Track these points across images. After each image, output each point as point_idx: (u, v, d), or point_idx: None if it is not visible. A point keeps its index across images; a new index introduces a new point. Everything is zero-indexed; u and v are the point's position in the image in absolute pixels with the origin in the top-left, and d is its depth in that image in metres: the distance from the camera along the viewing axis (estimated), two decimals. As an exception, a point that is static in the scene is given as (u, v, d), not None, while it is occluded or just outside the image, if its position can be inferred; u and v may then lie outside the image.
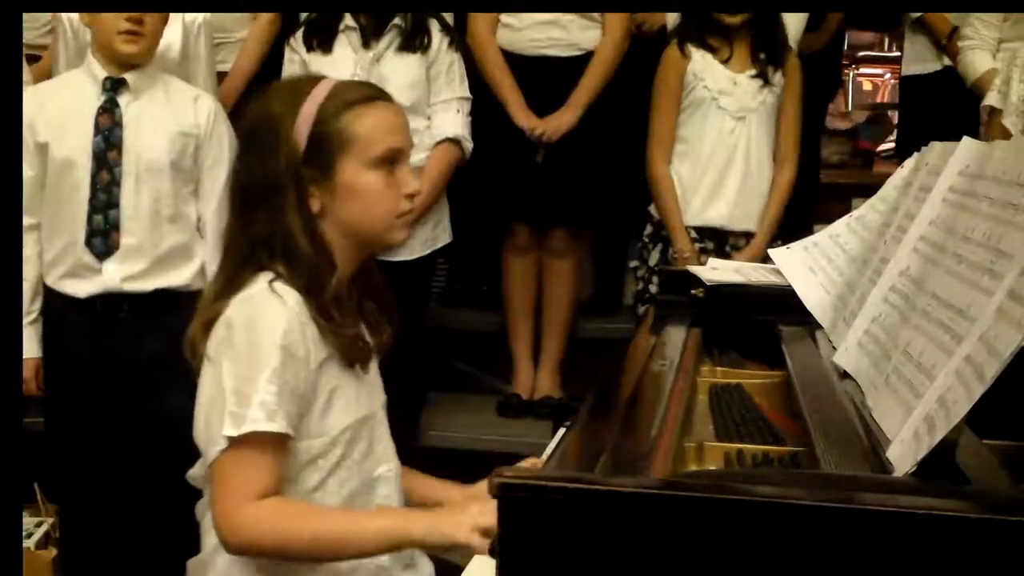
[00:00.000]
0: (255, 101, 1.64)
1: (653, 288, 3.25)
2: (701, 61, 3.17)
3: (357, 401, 1.59)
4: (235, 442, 1.45)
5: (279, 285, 1.51)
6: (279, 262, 1.53)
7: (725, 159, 3.19)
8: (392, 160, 1.57)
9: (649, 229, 3.31)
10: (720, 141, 3.18)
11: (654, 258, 3.27)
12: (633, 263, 3.36)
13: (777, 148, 3.25)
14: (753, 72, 3.18)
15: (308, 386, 1.51)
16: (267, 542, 1.46)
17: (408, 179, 1.59)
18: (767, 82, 3.17)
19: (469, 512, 1.40)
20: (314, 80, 1.60)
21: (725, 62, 3.17)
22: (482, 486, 1.68)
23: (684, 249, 3.15)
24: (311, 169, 1.54)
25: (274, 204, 1.53)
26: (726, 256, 3.14)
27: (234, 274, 1.55)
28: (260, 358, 1.46)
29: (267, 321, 1.49)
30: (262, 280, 1.52)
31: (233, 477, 1.46)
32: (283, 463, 1.50)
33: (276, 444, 1.48)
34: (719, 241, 3.22)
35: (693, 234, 3.20)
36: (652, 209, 3.28)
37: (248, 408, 1.44)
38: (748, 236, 3.22)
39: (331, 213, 1.55)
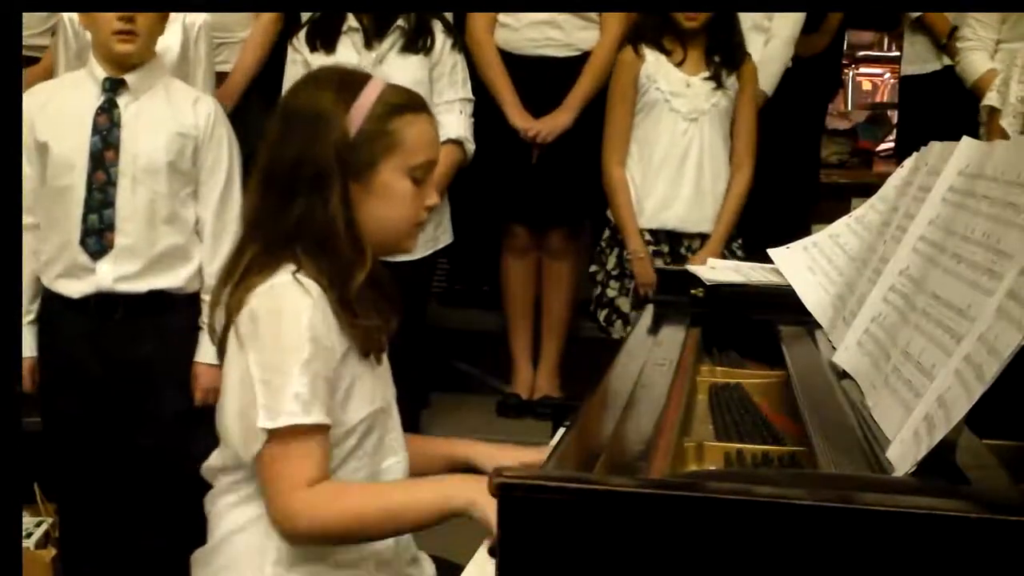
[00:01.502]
0: (297, 87, 1.65)
1: (612, 292, 3.26)
2: (655, 63, 3.17)
3: (373, 393, 1.61)
4: (276, 436, 1.46)
5: (302, 277, 1.52)
6: (311, 250, 1.53)
7: (678, 161, 3.19)
8: (426, 171, 1.60)
9: (606, 233, 3.31)
10: (673, 143, 3.18)
11: (612, 262, 3.28)
12: (592, 268, 3.35)
13: (733, 152, 3.25)
14: (707, 74, 3.17)
15: (335, 376, 1.53)
16: (321, 526, 1.48)
17: (432, 191, 1.63)
18: (720, 85, 3.17)
19: None
20: (364, 75, 1.62)
21: (679, 64, 3.17)
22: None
23: (638, 250, 3.15)
24: (353, 163, 1.55)
25: (317, 191, 1.53)
26: (681, 258, 3.14)
27: (262, 259, 1.54)
28: (290, 349, 1.47)
29: (293, 312, 1.49)
30: (285, 271, 1.52)
31: (283, 470, 1.47)
32: (327, 450, 1.51)
33: (317, 433, 1.49)
34: (674, 243, 3.22)
35: (648, 236, 3.20)
36: (609, 213, 3.28)
37: (282, 401, 1.45)
38: (703, 238, 3.22)
39: (358, 210, 1.56)
